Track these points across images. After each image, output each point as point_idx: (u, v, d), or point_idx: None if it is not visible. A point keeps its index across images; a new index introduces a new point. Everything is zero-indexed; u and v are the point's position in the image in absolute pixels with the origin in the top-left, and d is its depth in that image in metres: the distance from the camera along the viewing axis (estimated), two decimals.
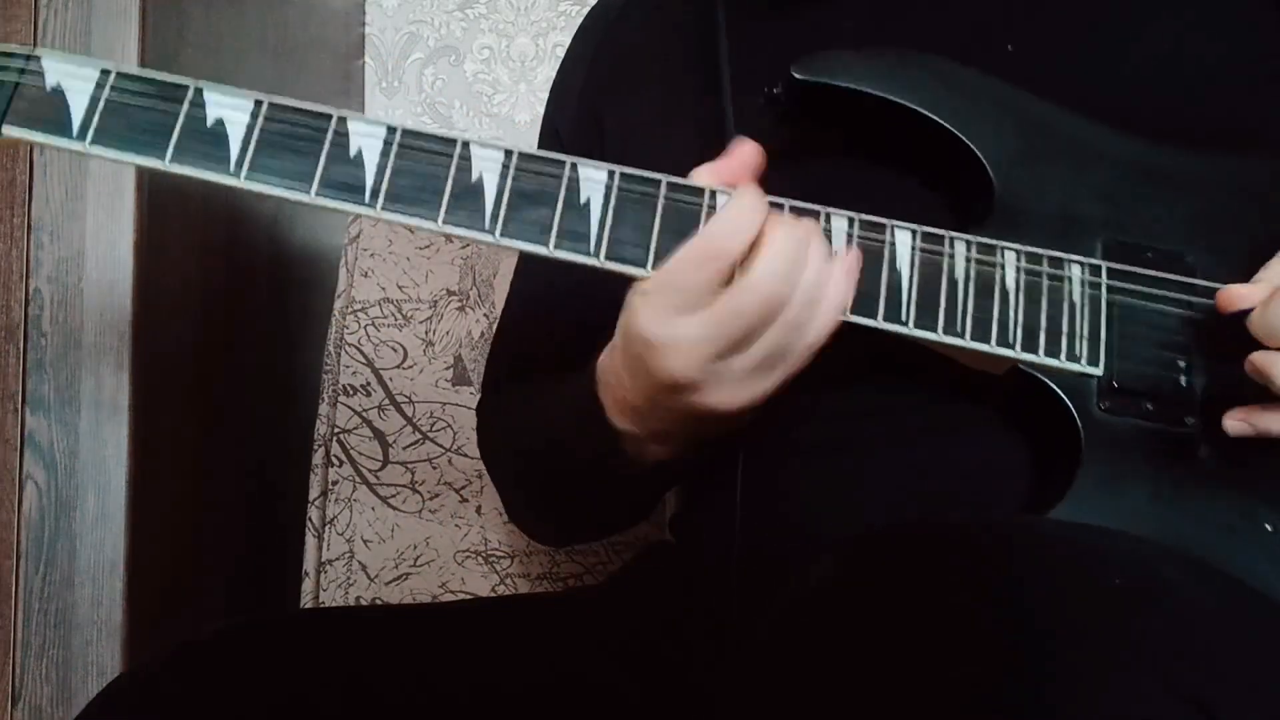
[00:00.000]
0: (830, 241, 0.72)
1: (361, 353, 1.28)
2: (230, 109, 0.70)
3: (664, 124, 0.90)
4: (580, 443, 0.81)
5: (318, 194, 0.69)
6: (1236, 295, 0.69)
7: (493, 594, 1.24)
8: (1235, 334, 0.68)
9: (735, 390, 0.70)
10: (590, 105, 0.97)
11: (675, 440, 0.77)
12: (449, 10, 1.63)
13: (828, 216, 0.72)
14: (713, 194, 0.71)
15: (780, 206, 0.71)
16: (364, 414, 1.27)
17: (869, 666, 0.56)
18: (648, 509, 0.94)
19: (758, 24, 0.88)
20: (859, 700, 0.55)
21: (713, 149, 0.74)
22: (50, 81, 0.70)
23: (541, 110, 1.05)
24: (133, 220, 1.06)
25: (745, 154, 0.72)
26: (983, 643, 0.53)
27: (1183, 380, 0.72)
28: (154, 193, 1.07)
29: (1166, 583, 0.58)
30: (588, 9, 1.05)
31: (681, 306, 0.68)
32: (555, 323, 0.98)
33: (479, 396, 1.05)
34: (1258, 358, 0.67)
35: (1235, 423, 0.69)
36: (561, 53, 1.05)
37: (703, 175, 0.72)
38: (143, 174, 1.06)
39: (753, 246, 0.68)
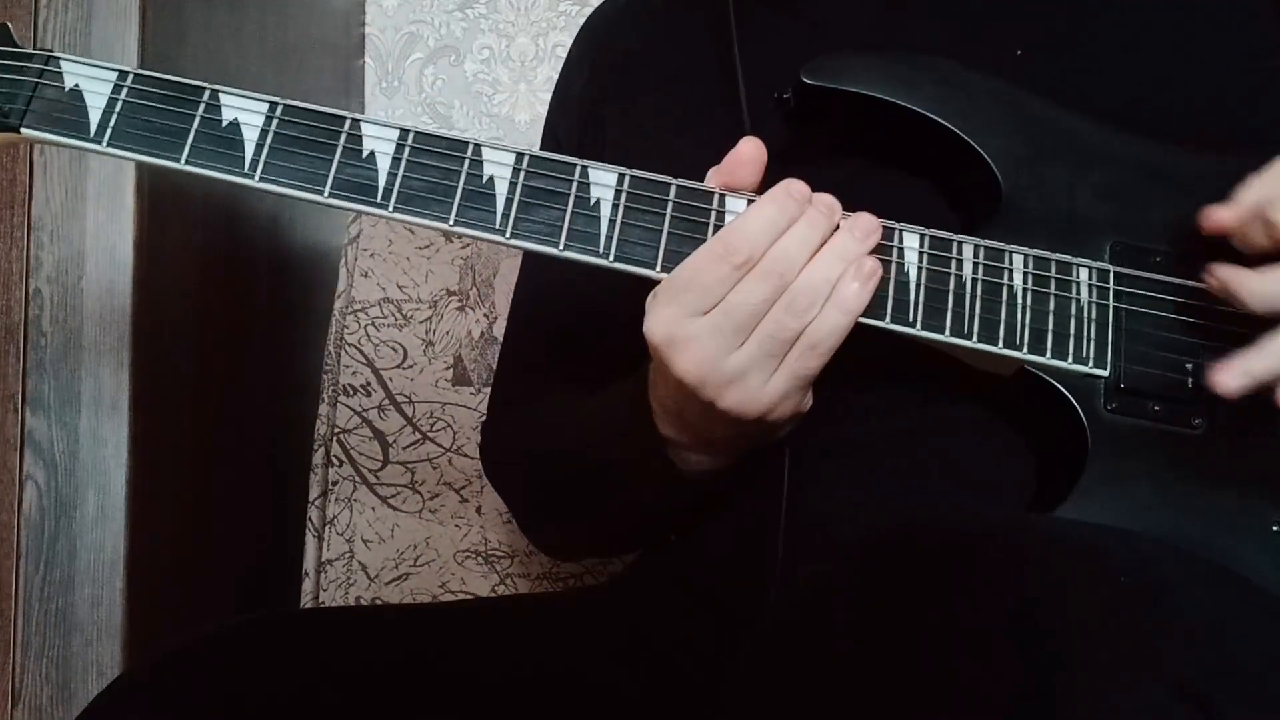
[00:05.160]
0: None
1: (361, 353, 1.27)
2: (245, 111, 0.71)
3: (672, 130, 0.90)
4: (622, 447, 0.82)
5: (330, 195, 0.70)
6: (1217, 215, 0.70)
7: (493, 594, 1.23)
8: (1243, 337, 0.68)
9: (743, 388, 0.70)
10: (592, 111, 0.97)
11: (717, 448, 0.78)
12: (449, 10, 1.62)
13: None
14: (721, 198, 0.72)
15: None
16: (364, 414, 1.27)
17: (871, 667, 0.56)
18: (672, 524, 0.93)
19: (762, 26, 0.88)
20: (862, 701, 0.55)
21: (718, 158, 0.74)
22: (69, 83, 0.72)
23: (542, 110, 1.05)
24: (133, 220, 1.06)
25: (744, 152, 0.72)
26: (984, 642, 0.53)
27: (1189, 382, 0.72)
28: (154, 193, 1.07)
29: (1170, 582, 0.58)
30: (588, 9, 1.05)
31: (694, 304, 0.69)
32: (562, 334, 0.98)
33: (485, 418, 1.05)
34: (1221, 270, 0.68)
35: (1229, 376, 0.67)
36: (562, 53, 1.05)
37: (711, 177, 0.73)
38: (143, 174, 1.06)
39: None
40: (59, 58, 0.72)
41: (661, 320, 0.70)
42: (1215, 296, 0.72)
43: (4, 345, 1.05)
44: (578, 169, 0.72)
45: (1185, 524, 0.70)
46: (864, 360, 0.78)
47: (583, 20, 1.05)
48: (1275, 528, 0.70)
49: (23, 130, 0.71)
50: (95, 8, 1.05)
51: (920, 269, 0.72)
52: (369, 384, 1.27)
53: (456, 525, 1.25)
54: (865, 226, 0.71)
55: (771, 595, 0.78)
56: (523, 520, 1.02)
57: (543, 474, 0.95)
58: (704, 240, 0.71)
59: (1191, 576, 0.60)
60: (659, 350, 0.70)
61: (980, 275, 0.72)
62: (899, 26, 0.84)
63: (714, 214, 0.72)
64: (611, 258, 0.71)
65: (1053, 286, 0.73)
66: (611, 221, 0.71)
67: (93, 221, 1.06)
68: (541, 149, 0.99)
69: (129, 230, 1.06)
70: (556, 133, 1.00)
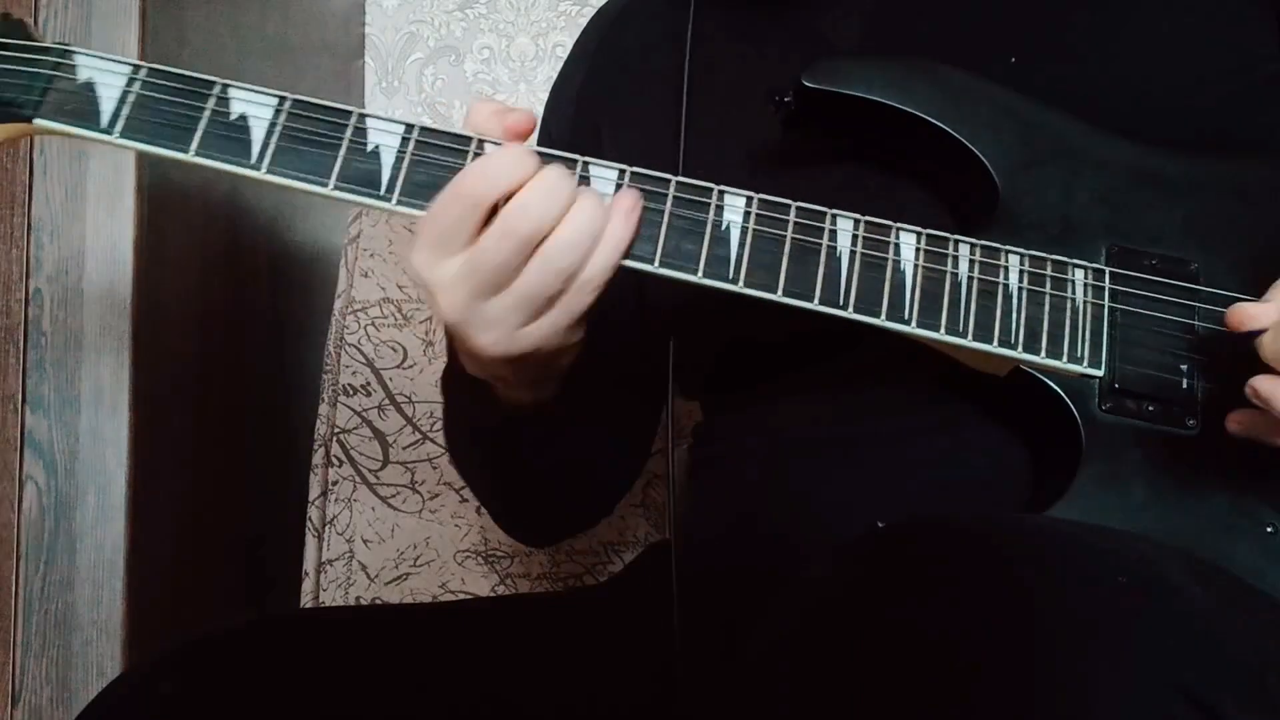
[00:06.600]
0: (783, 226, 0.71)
1: (361, 353, 1.28)
2: (254, 105, 0.72)
3: (664, 134, 0.90)
4: (471, 409, 0.83)
5: (335, 187, 0.71)
6: (1248, 315, 0.67)
7: (493, 594, 1.24)
8: (1237, 339, 0.68)
9: (501, 333, 0.69)
10: (587, 114, 0.97)
11: (511, 383, 0.77)
12: (449, 10, 1.63)
13: (834, 218, 0.72)
14: (720, 193, 0.72)
15: (786, 208, 0.72)
16: (364, 414, 1.27)
17: (870, 667, 0.56)
18: (588, 479, 0.93)
19: (761, 32, 0.88)
20: (861, 701, 0.55)
21: (716, 158, 0.74)
22: (82, 76, 0.73)
23: (541, 110, 1.05)
24: (133, 220, 1.06)
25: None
26: (983, 641, 0.53)
27: (1184, 383, 0.72)
28: (154, 193, 1.07)
29: (1168, 581, 0.58)
30: (588, 9, 1.05)
31: (438, 245, 0.69)
32: None
33: None
34: (1260, 383, 0.65)
35: (1235, 425, 0.69)
36: (562, 53, 1.05)
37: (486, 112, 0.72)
38: (143, 174, 1.06)
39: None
40: (74, 51, 0.73)
41: (418, 261, 0.70)
42: (1210, 300, 0.73)
43: (4, 345, 1.05)
44: (579, 165, 0.72)
45: (1179, 525, 0.70)
46: (859, 360, 0.78)
47: (583, 20, 1.05)
48: (1269, 529, 0.70)
49: (35, 121, 0.72)
50: (95, 8, 1.06)
51: (916, 267, 0.72)
52: (369, 384, 1.27)
53: (456, 525, 1.25)
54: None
55: (771, 596, 0.78)
56: (493, 518, 1.02)
57: (469, 471, 0.95)
58: (702, 235, 0.71)
59: (1189, 576, 0.60)
60: (422, 289, 0.71)
61: (976, 274, 0.73)
62: (893, 35, 0.84)
63: (713, 208, 0.72)
64: None
65: (1048, 286, 0.73)
66: None
67: (93, 221, 1.06)
68: (538, 145, 1.00)
69: (129, 230, 1.06)
70: (550, 131, 1.00)
